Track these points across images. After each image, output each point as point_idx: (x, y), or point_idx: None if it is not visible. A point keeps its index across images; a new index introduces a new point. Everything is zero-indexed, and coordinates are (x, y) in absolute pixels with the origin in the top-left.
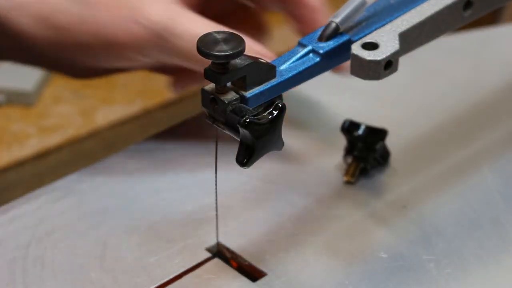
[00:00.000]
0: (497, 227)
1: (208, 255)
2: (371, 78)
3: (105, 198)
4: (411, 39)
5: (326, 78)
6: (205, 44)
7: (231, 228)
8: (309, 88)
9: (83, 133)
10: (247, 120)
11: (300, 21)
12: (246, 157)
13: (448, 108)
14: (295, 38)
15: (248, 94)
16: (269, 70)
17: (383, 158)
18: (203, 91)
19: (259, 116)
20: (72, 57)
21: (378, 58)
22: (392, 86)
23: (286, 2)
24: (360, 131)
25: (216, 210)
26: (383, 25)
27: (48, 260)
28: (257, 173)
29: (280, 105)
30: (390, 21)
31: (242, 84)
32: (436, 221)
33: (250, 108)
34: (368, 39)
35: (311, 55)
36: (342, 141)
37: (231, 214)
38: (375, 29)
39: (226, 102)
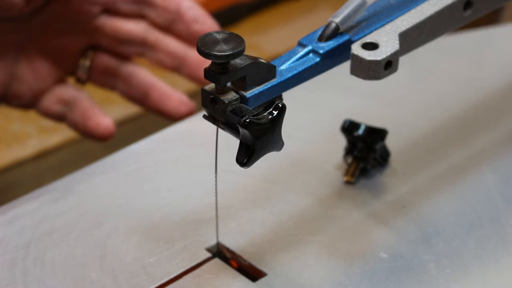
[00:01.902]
0: (497, 227)
1: (208, 255)
2: (371, 78)
3: (105, 198)
4: (411, 39)
5: (326, 78)
6: (205, 44)
7: (231, 228)
8: (309, 88)
9: None
10: (247, 120)
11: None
12: (246, 157)
13: (448, 108)
14: (295, 38)
15: (248, 94)
16: (269, 70)
17: (383, 158)
18: (203, 91)
19: (259, 116)
20: None
21: (378, 58)
22: (392, 86)
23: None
24: (360, 131)
25: (216, 210)
26: (383, 25)
27: (48, 260)
28: (257, 173)
29: (280, 105)
30: (390, 21)
31: (242, 84)
32: (436, 221)
33: (250, 108)
34: (368, 39)
35: (311, 55)
36: (342, 141)
37: (231, 214)
38: (375, 29)
39: (226, 102)
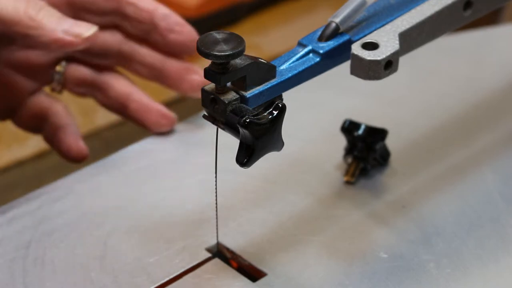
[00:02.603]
0: (497, 227)
1: (208, 255)
2: (371, 78)
3: (105, 198)
4: (411, 39)
5: (326, 78)
6: (205, 44)
7: (231, 228)
8: (309, 88)
9: (83, 133)
10: (247, 120)
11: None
12: (246, 157)
13: (448, 108)
14: (295, 38)
15: (248, 94)
16: (269, 70)
17: (383, 158)
18: (203, 91)
19: (259, 116)
20: None
21: (378, 58)
22: (392, 86)
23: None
24: (360, 131)
25: (216, 210)
26: (383, 25)
27: (48, 260)
28: (257, 173)
29: (280, 105)
30: (390, 21)
31: (242, 84)
32: (436, 221)
33: (250, 108)
34: (368, 39)
35: (311, 55)
36: (342, 141)
37: (231, 214)
38: (375, 29)
39: (226, 102)
